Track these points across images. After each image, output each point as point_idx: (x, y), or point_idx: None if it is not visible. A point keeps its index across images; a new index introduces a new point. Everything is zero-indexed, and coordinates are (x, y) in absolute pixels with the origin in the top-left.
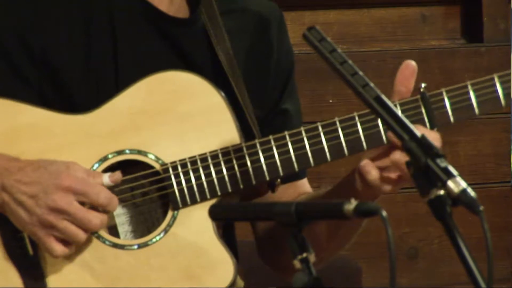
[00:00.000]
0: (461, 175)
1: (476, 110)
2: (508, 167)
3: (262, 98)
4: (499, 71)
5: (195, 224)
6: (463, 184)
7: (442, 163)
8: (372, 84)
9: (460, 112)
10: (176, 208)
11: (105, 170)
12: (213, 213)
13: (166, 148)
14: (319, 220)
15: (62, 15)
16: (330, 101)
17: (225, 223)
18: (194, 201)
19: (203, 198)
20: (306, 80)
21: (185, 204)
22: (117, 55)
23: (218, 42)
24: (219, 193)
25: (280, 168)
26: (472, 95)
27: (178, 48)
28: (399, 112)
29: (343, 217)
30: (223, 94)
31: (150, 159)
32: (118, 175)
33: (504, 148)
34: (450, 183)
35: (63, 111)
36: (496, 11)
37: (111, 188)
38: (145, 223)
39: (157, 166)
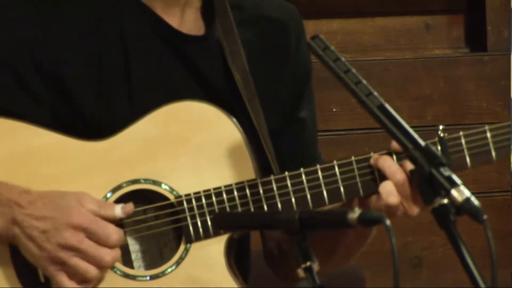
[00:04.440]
0: (464, 184)
1: (494, 156)
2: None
3: (278, 107)
4: (503, 80)
5: (207, 258)
6: (467, 193)
7: (446, 172)
8: (375, 93)
9: (478, 157)
10: (189, 241)
11: (119, 199)
12: (217, 222)
13: (180, 179)
14: (323, 228)
15: (73, 31)
16: (334, 110)
17: (235, 233)
18: (207, 235)
19: (217, 233)
20: None
21: (198, 238)
22: (129, 72)
23: (233, 59)
24: None
25: (294, 206)
26: (490, 140)
27: (191, 65)
28: (402, 120)
29: (347, 225)
30: (239, 125)
31: (164, 190)
32: (130, 207)
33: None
34: (454, 192)
35: (75, 130)
36: (500, 20)
37: (123, 219)
38: (158, 254)
39: (172, 198)
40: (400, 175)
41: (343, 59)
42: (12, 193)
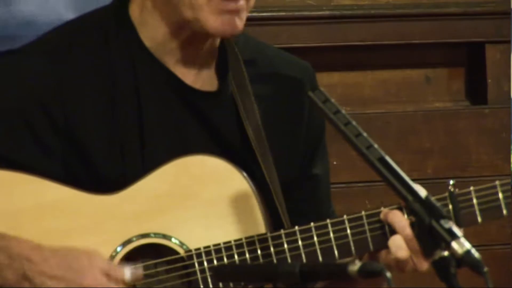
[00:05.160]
0: (465, 236)
1: (504, 211)
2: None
3: (292, 163)
4: (503, 133)
5: None
6: (467, 245)
7: (446, 224)
8: (376, 145)
9: (488, 212)
10: None
11: (129, 253)
12: (217, 275)
13: (190, 233)
14: (324, 280)
15: (86, 84)
16: (334, 163)
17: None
18: None
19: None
20: None
21: None
22: (143, 127)
23: (247, 114)
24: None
25: (304, 259)
26: (500, 195)
27: (205, 121)
28: (402, 173)
29: (348, 278)
30: (250, 181)
31: (174, 244)
32: (139, 272)
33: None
34: (454, 244)
35: (87, 182)
36: (500, 73)
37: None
38: None
39: (181, 252)
40: (409, 230)
41: (343, 111)
42: (23, 248)
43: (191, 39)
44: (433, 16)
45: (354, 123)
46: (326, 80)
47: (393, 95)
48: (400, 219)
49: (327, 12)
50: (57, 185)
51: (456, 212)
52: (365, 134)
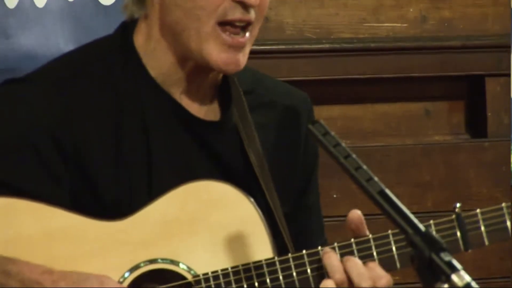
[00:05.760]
0: (465, 269)
1: (511, 233)
2: (511, 262)
3: (289, 193)
4: (503, 166)
5: None
6: (467, 278)
7: (446, 257)
8: (376, 178)
9: (495, 234)
10: None
11: (137, 279)
12: None
13: (198, 258)
14: None
15: (93, 113)
16: (335, 196)
17: None
18: None
19: None
20: None
21: None
22: (150, 155)
23: (249, 143)
24: None
25: (312, 284)
26: (507, 217)
27: (210, 150)
28: (402, 206)
29: None
30: (256, 206)
31: (182, 269)
32: None
33: (508, 243)
34: (454, 277)
35: (94, 211)
36: (500, 106)
37: None
38: None
39: (189, 277)
40: (339, 275)
41: (343, 144)
42: (34, 273)
43: (195, 71)
44: (433, 49)
45: (354, 156)
46: (326, 113)
47: (393, 128)
48: (332, 262)
49: (327, 45)
50: (64, 212)
51: (463, 235)
52: (365, 167)
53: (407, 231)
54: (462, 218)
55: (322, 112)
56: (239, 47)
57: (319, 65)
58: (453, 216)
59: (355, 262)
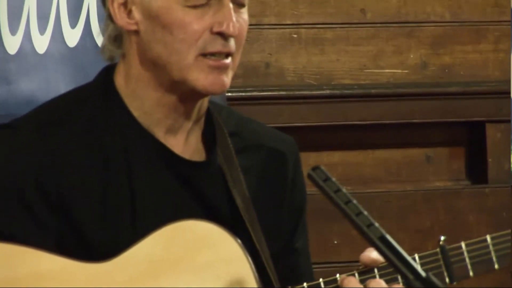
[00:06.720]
0: None
1: (496, 265)
2: None
3: (275, 234)
4: (504, 212)
5: None
6: None
7: None
8: (376, 224)
9: (479, 266)
10: None
11: None
12: None
13: None
14: None
15: (77, 157)
16: (335, 242)
17: None
18: None
19: None
20: (311, 221)
21: None
22: (134, 198)
23: (234, 184)
24: None
25: None
26: (491, 249)
27: (195, 190)
28: (403, 251)
29: None
30: (242, 245)
31: None
32: None
33: (507, 284)
34: None
35: (81, 253)
36: (500, 152)
37: None
38: None
39: None
40: None
41: (344, 190)
42: None
43: (178, 106)
44: (433, 95)
45: (354, 201)
46: (327, 159)
47: (394, 174)
48: (354, 286)
49: (327, 91)
50: (51, 256)
51: (448, 267)
52: (365, 213)
53: (408, 276)
54: (446, 251)
55: (323, 158)
56: (224, 68)
57: (320, 111)
58: (438, 249)
59: (377, 282)
